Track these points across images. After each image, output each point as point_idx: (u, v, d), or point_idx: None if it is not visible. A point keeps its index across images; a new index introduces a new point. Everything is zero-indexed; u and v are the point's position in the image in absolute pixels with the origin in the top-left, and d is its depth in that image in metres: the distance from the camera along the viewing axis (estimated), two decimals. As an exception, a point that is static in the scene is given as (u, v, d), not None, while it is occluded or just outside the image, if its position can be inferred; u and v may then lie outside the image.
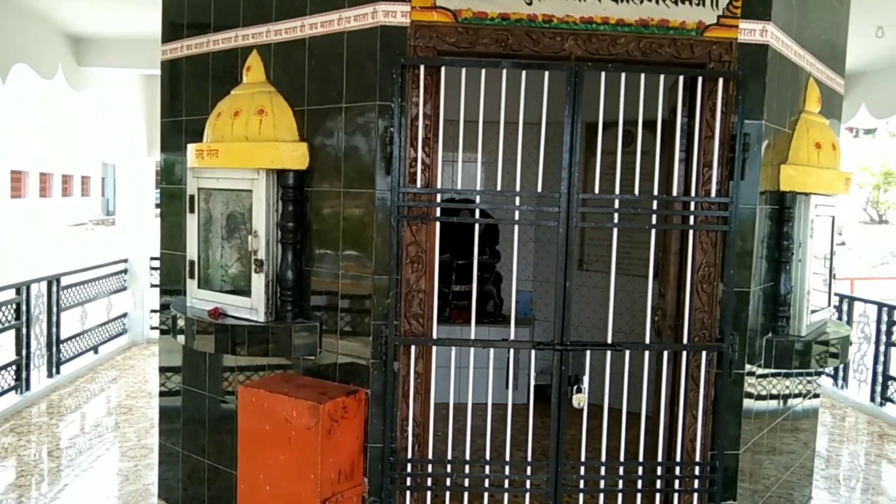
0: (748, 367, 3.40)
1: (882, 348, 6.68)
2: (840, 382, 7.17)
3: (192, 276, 3.82)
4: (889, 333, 6.67)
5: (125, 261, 8.50)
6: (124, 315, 8.47)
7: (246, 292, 3.56)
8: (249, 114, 3.45)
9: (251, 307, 3.51)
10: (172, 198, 4.13)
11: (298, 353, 3.43)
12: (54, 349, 6.84)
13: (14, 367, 6.24)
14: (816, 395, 4.57)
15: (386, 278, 3.19)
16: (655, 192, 3.25)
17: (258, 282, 3.48)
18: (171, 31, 4.07)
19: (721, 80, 3.19)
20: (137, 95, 7.82)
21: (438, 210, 3.21)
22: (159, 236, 4.24)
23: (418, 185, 3.17)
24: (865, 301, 7.06)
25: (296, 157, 3.39)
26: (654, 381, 3.50)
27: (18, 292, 6.29)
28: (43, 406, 6.34)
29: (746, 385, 3.40)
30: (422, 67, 3.12)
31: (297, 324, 3.43)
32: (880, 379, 6.70)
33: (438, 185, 3.21)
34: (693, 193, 3.23)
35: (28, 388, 6.36)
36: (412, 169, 3.18)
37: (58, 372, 6.90)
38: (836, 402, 7.02)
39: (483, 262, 6.26)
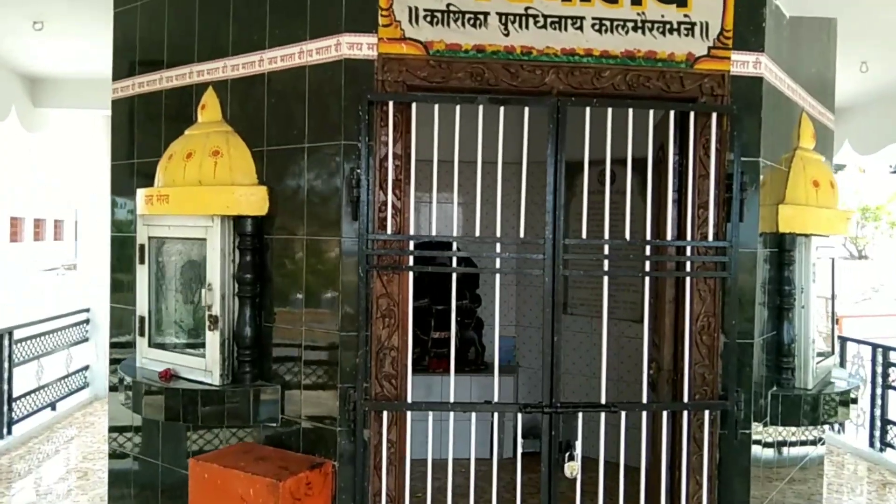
0: (755, 425, 3.10)
1: (879, 391, 6.42)
2: (836, 427, 6.88)
3: (142, 334, 3.47)
4: (885, 375, 6.42)
5: (87, 310, 8.07)
6: (86, 368, 8.00)
7: (201, 352, 3.22)
8: (203, 155, 3.15)
9: (205, 368, 3.16)
10: (123, 246, 3.79)
11: (258, 420, 3.08)
12: (5, 408, 6.36)
13: (-42, 429, 5.78)
14: (822, 442, 4.27)
15: (354, 335, 2.87)
16: (647, 237, 2.97)
17: (213, 340, 3.13)
18: (123, 68, 3.79)
19: (714, 115, 2.96)
20: (100, 136, 7.50)
21: (411, 259, 2.90)
22: (109, 288, 3.89)
23: (388, 230, 2.87)
24: (858, 342, 6.83)
25: (254, 201, 3.09)
26: (651, 440, 3.19)
27: (-36, 348, 5.85)
28: (-9, 471, 5.85)
29: (753, 445, 3.10)
30: (390, 104, 2.85)
31: (255, 387, 3.09)
32: (879, 423, 6.43)
33: (411, 231, 2.92)
34: (689, 237, 2.97)
35: (-26, 451, 5.89)
36: (382, 213, 2.89)
37: (9, 433, 6.41)
38: (833, 448, 6.72)
39: (463, 307, 5.96)
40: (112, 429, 3.89)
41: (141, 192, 3.33)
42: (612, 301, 6.16)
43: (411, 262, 2.91)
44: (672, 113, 2.95)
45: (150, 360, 3.41)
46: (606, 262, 2.91)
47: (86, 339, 8.01)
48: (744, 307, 3.04)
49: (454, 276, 2.95)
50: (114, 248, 3.88)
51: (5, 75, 5.94)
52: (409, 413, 2.92)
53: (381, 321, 2.91)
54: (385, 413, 2.89)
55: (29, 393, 6.84)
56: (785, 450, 3.64)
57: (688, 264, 2.96)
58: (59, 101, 6.29)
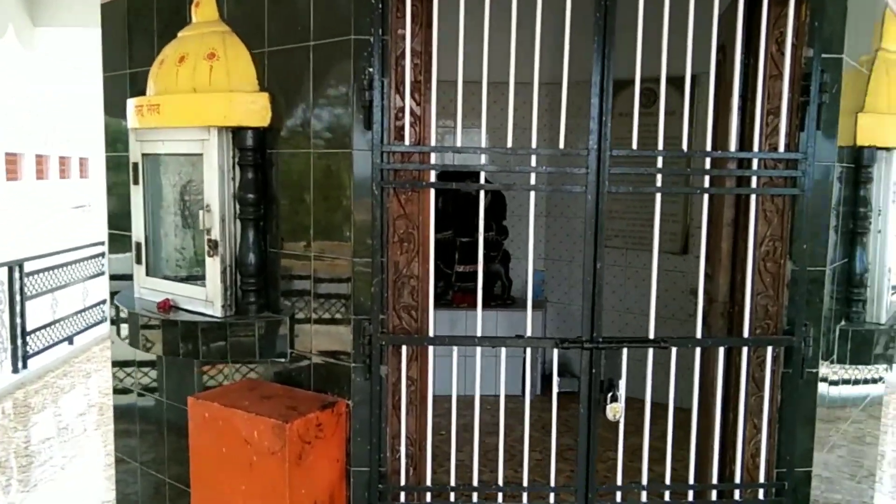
0: (823, 364, 2.74)
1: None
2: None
3: (139, 261, 3.17)
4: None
5: (102, 243, 7.85)
6: (103, 302, 7.84)
7: (202, 281, 2.91)
8: (197, 59, 2.77)
9: (206, 298, 2.86)
10: (119, 168, 3.46)
11: (264, 355, 2.79)
12: (19, 342, 6.23)
13: (-29, 363, 5.65)
14: (881, 381, 3.90)
15: (368, 262, 2.53)
16: (708, 148, 2.56)
17: (213, 267, 2.82)
18: (111, -34, 3.38)
19: (792, 2, 2.49)
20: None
21: (433, 174, 2.53)
22: (106, 214, 3.59)
23: (406, 141, 2.49)
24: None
25: (254, 110, 2.72)
26: (700, 380, 2.85)
27: (-28, 281, 5.66)
28: (8, 405, 5.74)
29: (820, 386, 2.74)
30: (408, -10, 2.43)
31: (261, 318, 2.78)
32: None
33: (433, 142, 2.53)
34: (756, 148, 2.54)
35: (-12, 385, 5.77)
36: (399, 122, 2.50)
37: (24, 367, 6.31)
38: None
39: (489, 239, 5.62)
40: (115, 363, 3.65)
41: (131, 103, 2.98)
42: (650, 230, 5.81)
43: (433, 178, 2.53)
44: (741, 0, 2.48)
45: (148, 289, 3.13)
46: (659, 176, 2.50)
47: (102, 273, 7.82)
48: (817, 230, 2.63)
49: (482, 196, 2.57)
50: (109, 169, 3.55)
51: (-1, -10, 5.55)
52: (430, 348, 2.60)
53: (399, 246, 2.56)
54: (404, 348, 2.57)
55: (44, 327, 6.70)
56: (846, 390, 3.29)
57: (753, 180, 2.55)
58: (58, 19, 5.89)
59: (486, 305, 5.26)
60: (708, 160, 2.53)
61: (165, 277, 3.14)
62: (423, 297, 2.61)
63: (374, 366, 2.53)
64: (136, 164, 3.11)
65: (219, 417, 2.55)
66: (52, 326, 6.83)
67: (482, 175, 2.53)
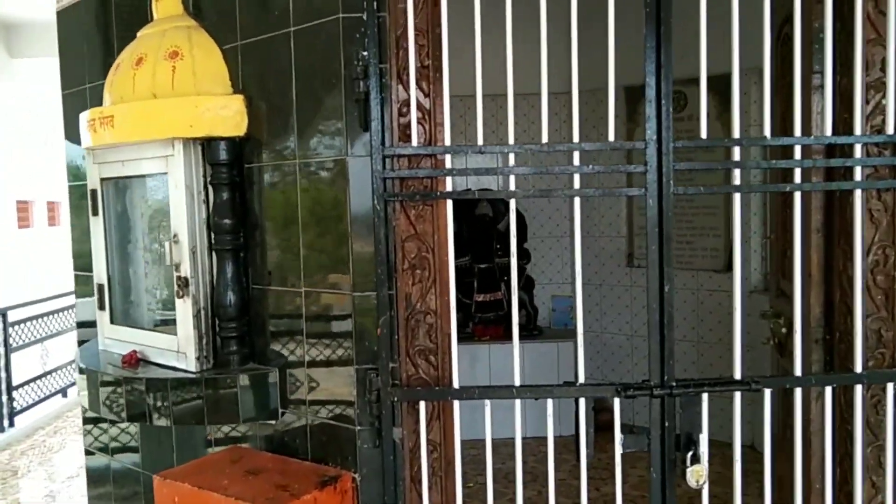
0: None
1: None
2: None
3: (101, 307, 2.67)
4: None
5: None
6: (100, 349, 7.35)
7: (173, 328, 2.40)
8: (157, 59, 2.29)
9: (178, 350, 2.34)
10: (82, 199, 2.98)
11: (249, 417, 2.25)
12: (4, 398, 5.72)
13: (-52, 424, 5.15)
14: None
15: (372, 295, 2.00)
16: (798, 133, 2.01)
17: (184, 311, 2.30)
18: (67, -33, 2.94)
19: (893, -53, 1.97)
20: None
21: (449, 181, 2.00)
22: (70, 252, 3.10)
23: (414, 142, 1.97)
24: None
25: (227, 116, 2.22)
26: (782, 422, 2.28)
27: (-53, 334, 5.19)
28: (-10, 469, 5.22)
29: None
30: (409, -47, 1.93)
31: (244, 372, 2.25)
32: None
33: (447, 142, 2.01)
34: (858, 132, 2.00)
35: (-31, 448, 5.26)
36: (403, 118, 1.99)
37: (11, 425, 5.80)
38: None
39: (509, 264, 5.09)
40: (87, 420, 3.13)
41: (83, 117, 2.50)
42: (687, 249, 5.23)
43: (449, 186, 2.00)
44: (827, -53, 1.96)
45: (113, 340, 2.62)
46: (738, 172, 1.96)
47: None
48: (939, 232, 2.07)
49: (513, 209, 2.03)
50: (72, 199, 3.07)
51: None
52: (456, 403, 2.05)
53: (411, 274, 2.03)
54: (422, 403, 2.02)
55: (32, 380, 6.20)
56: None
57: (857, 171, 2.00)
58: (36, 49, 5.49)
59: (508, 337, 4.78)
60: (798, 148, 1.98)
61: (134, 325, 2.63)
62: (442, 336, 2.07)
63: (386, 428, 1.98)
64: (94, 192, 2.62)
65: (191, 502, 2.00)
66: (42, 379, 6.33)
67: (511, 181, 1.99)
